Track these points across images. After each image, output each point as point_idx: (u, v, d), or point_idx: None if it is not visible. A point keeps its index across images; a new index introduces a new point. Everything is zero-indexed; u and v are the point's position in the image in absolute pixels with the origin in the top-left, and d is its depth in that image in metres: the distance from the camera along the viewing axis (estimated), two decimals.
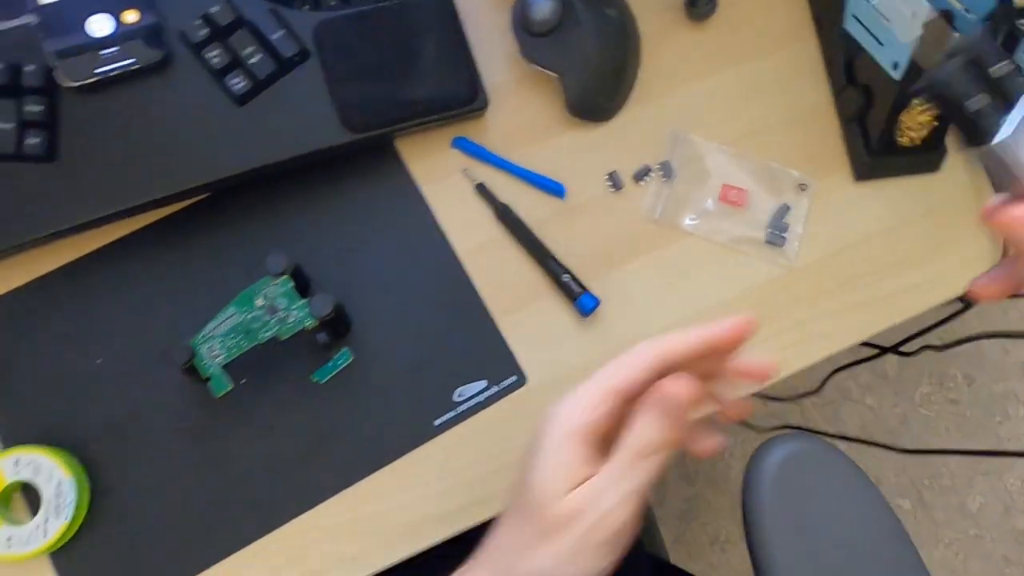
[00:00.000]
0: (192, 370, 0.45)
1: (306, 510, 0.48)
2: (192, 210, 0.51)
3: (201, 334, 0.45)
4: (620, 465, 0.34)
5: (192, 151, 0.49)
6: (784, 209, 0.55)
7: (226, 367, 0.45)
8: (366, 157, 0.53)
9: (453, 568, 0.37)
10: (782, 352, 0.52)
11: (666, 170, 0.55)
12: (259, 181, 0.51)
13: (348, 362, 0.46)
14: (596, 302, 0.51)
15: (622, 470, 0.34)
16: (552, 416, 0.36)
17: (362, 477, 0.48)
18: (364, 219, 0.52)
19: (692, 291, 0.53)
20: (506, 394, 0.51)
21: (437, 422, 0.50)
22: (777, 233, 0.54)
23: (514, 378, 0.51)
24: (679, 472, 1.26)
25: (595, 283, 0.52)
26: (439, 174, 0.54)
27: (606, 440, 0.36)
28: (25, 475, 0.45)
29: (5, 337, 0.49)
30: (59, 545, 0.45)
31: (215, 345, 0.45)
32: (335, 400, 0.49)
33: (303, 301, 0.46)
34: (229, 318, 0.45)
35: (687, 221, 0.54)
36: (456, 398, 0.50)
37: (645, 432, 0.35)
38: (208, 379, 0.44)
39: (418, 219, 0.53)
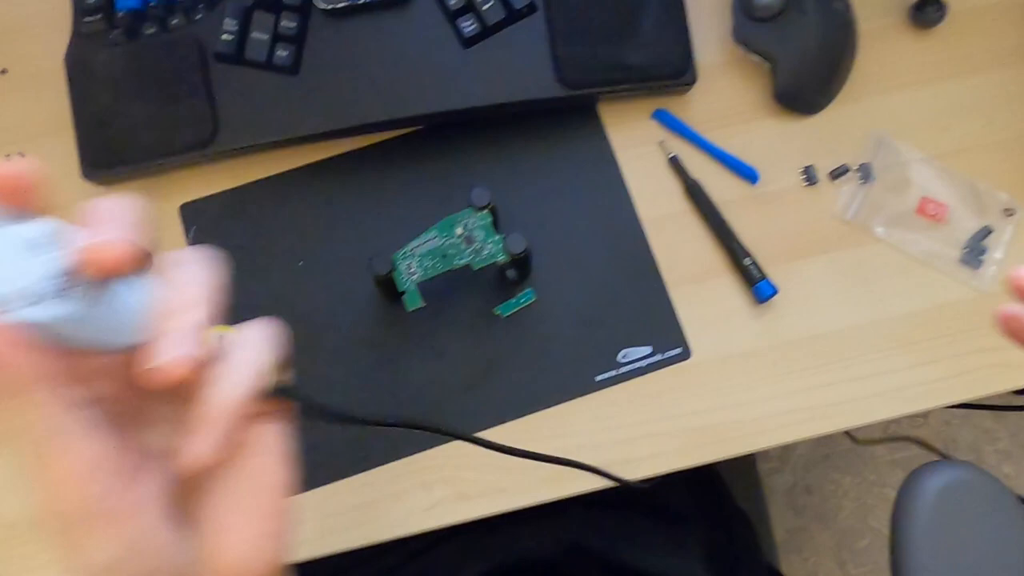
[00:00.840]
0: (388, 283, 0.48)
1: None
2: (405, 139, 0.55)
3: (403, 251, 0.48)
4: None
5: (417, 84, 0.52)
6: (985, 231, 0.53)
7: (419, 286, 0.48)
8: (570, 114, 0.55)
9: None
10: (960, 377, 0.50)
11: (865, 172, 0.54)
12: (470, 121, 0.54)
13: (530, 301, 0.48)
14: (774, 290, 0.51)
15: None
16: None
17: (519, 416, 0.50)
18: (559, 172, 0.54)
19: (873, 298, 0.52)
20: (669, 364, 0.51)
21: (598, 378, 0.51)
22: (974, 255, 0.52)
23: (679, 350, 0.52)
24: (786, 501, 1.23)
25: (775, 272, 0.52)
26: (635, 142, 0.55)
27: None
28: None
29: (225, 229, 0.54)
30: None
31: (413, 263, 0.48)
32: (510, 335, 0.51)
33: (498, 236, 0.48)
34: (429, 240, 0.48)
35: (879, 227, 0.53)
36: (620, 358, 0.51)
37: None
38: (403, 293, 0.47)
39: (609, 181, 0.54)
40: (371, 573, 0.50)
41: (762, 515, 0.79)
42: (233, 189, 0.55)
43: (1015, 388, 0.51)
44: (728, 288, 0.53)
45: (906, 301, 0.52)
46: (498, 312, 0.48)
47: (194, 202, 0.55)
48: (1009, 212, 0.53)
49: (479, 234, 0.48)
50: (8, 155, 0.55)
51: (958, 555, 0.49)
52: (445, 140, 0.55)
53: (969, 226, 0.53)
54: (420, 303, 0.47)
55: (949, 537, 0.49)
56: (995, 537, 0.48)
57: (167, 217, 0.54)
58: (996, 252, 0.52)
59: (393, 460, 0.50)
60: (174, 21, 0.53)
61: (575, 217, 0.54)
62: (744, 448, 0.50)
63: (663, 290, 0.52)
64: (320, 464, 0.50)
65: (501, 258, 0.48)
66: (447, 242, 0.48)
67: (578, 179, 0.54)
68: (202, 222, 0.54)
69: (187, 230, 0.54)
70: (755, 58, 0.55)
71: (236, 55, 0.52)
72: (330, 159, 0.55)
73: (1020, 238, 0.53)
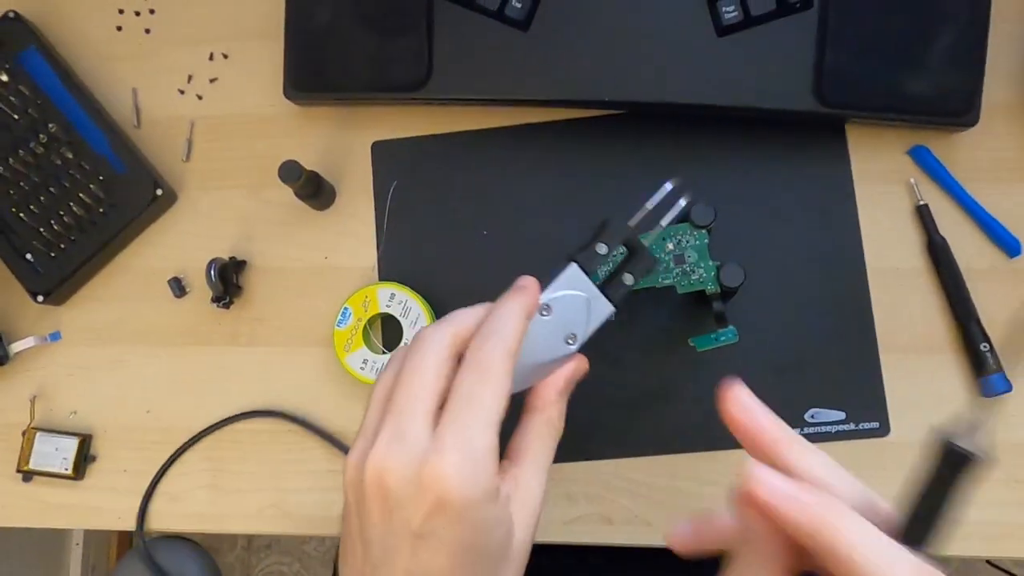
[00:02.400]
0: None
1: (622, 456, 0.47)
2: (622, 121, 0.49)
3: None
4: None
5: (653, 66, 0.46)
6: None
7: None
8: (814, 131, 0.48)
9: None
10: None
11: None
12: (701, 117, 0.48)
13: (731, 342, 0.43)
14: (1008, 387, 0.45)
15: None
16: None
17: (689, 451, 0.47)
18: (786, 194, 0.48)
19: None
20: (861, 436, 0.46)
21: None
22: None
23: (876, 424, 0.46)
24: None
25: (1012, 365, 0.45)
26: (882, 177, 0.48)
27: None
28: (396, 311, 0.48)
29: (414, 176, 0.51)
30: None
31: (610, 271, 0.43)
32: (694, 366, 0.47)
33: (713, 263, 0.43)
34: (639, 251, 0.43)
35: None
36: (808, 417, 0.46)
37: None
38: None
39: (841, 216, 0.48)
40: None
41: None
42: (430, 136, 0.51)
43: None
44: (951, 370, 0.46)
45: None
46: (693, 344, 0.43)
47: (388, 142, 0.52)
48: None
49: (691, 255, 0.43)
50: (212, 55, 0.53)
51: None
52: (664, 131, 0.49)
53: None
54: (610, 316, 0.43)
55: None
56: None
57: (358, 152, 0.52)
58: None
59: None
60: None
61: (793, 250, 0.48)
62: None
63: (874, 354, 0.46)
64: None
65: (711, 288, 0.43)
66: (654, 256, 0.43)
67: (806, 207, 0.48)
68: (391, 166, 0.51)
69: (375, 174, 0.51)
70: None
71: None
72: (539, 125, 0.50)
73: None
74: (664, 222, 0.39)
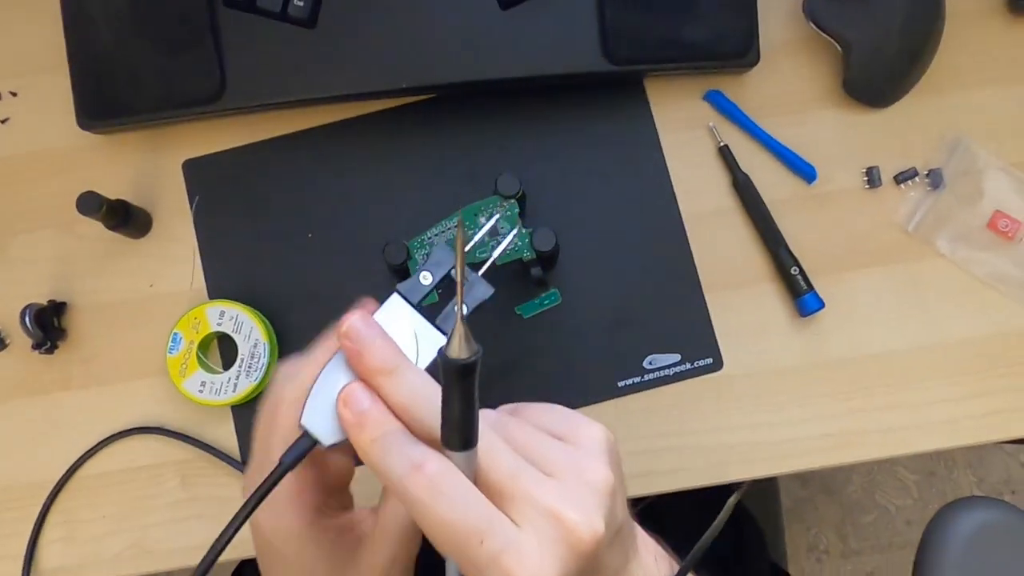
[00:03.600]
0: (403, 271, 0.44)
1: None
2: (426, 105, 0.50)
3: (419, 238, 0.44)
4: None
5: (444, 47, 0.47)
6: None
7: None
8: (612, 90, 0.50)
9: None
10: (1016, 412, 0.47)
11: (934, 179, 0.49)
12: (499, 91, 0.49)
13: (555, 304, 0.44)
14: (820, 305, 0.47)
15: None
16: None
17: None
18: (594, 154, 0.49)
19: (928, 320, 0.48)
20: (698, 374, 0.48)
21: (621, 383, 0.48)
22: None
23: (710, 360, 0.48)
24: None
25: (823, 283, 0.48)
26: (683, 125, 0.50)
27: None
28: (228, 328, 0.47)
29: (229, 190, 0.50)
30: (243, 401, 0.47)
31: (429, 253, 0.44)
32: (529, 335, 0.47)
33: (525, 230, 0.44)
34: (450, 229, 0.44)
35: (943, 242, 0.48)
36: (646, 364, 0.48)
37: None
38: None
39: (650, 168, 0.49)
40: None
41: (775, 513, 0.77)
42: (240, 148, 0.50)
43: None
44: (769, 297, 0.48)
45: (964, 326, 0.48)
46: (519, 312, 0.44)
47: (198, 159, 0.50)
48: None
49: (504, 226, 0.44)
50: (0, 93, 0.51)
51: None
52: (469, 110, 0.50)
53: None
54: (435, 298, 0.44)
55: None
56: None
57: (169, 173, 0.50)
58: None
59: None
60: None
61: (609, 207, 0.49)
62: (769, 471, 0.47)
63: (699, 294, 0.48)
64: None
65: (526, 255, 0.44)
66: (470, 232, 0.44)
67: (616, 164, 0.49)
68: (206, 182, 0.50)
69: (190, 194, 0.50)
70: (826, 39, 0.49)
71: (247, 2, 0.46)
72: (345, 122, 0.50)
73: None
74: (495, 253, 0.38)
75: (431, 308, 0.34)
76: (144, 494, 0.48)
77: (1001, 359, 0.47)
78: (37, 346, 0.47)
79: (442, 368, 0.26)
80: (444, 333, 0.33)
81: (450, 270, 0.34)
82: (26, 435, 0.48)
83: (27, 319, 0.46)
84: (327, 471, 0.33)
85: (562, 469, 0.29)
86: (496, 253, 0.38)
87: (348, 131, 0.50)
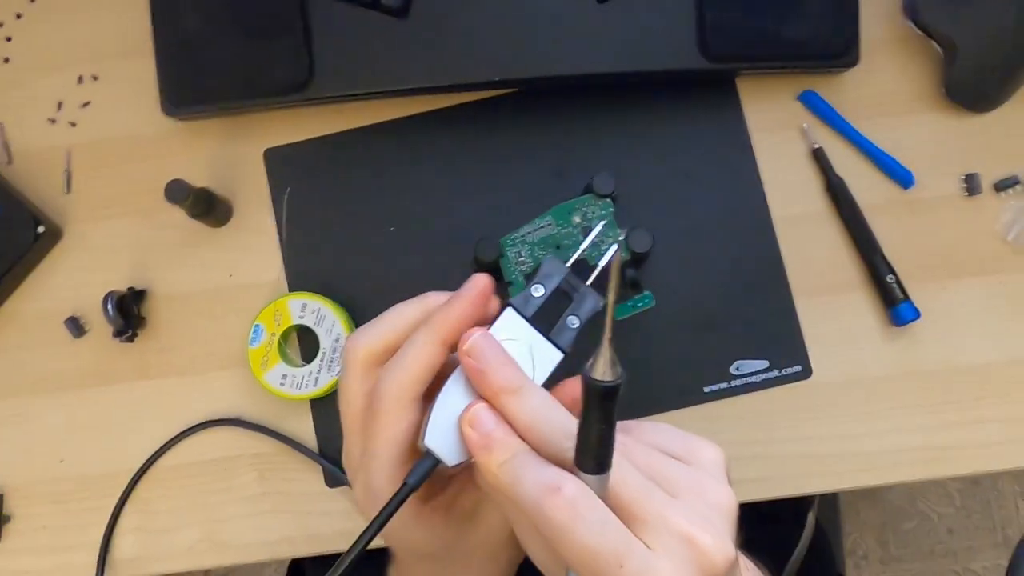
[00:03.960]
0: (493, 268, 0.43)
1: None
2: (517, 99, 0.49)
3: (511, 236, 0.43)
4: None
5: (539, 39, 0.46)
6: None
7: (527, 276, 0.43)
8: (705, 88, 0.48)
9: None
10: None
11: None
12: (592, 87, 0.48)
13: (648, 307, 0.43)
14: (916, 315, 0.46)
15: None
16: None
17: (622, 419, 0.46)
18: (685, 153, 0.48)
19: None
20: (786, 382, 0.47)
21: (707, 389, 0.47)
22: None
23: (799, 368, 0.47)
24: None
25: (918, 292, 0.46)
26: (776, 125, 0.49)
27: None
28: (309, 321, 0.46)
29: (311, 181, 0.49)
30: (322, 395, 0.47)
31: (523, 251, 0.43)
32: (619, 337, 0.46)
33: (620, 230, 0.43)
34: (543, 227, 0.43)
35: None
36: (733, 370, 0.47)
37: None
38: (509, 283, 0.43)
39: (741, 169, 0.48)
40: None
41: (836, 521, 0.75)
42: (323, 137, 0.49)
43: None
44: (862, 305, 0.47)
45: None
46: None
47: (280, 148, 0.50)
48: None
49: (598, 225, 0.43)
50: (80, 78, 0.50)
51: None
52: (559, 104, 0.49)
53: None
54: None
55: None
56: None
57: (250, 162, 0.50)
58: None
59: None
60: None
61: (699, 207, 0.48)
62: (856, 483, 0.46)
63: (789, 300, 0.47)
64: None
65: (622, 256, 0.43)
66: (562, 231, 0.43)
67: (706, 164, 0.48)
68: (287, 172, 0.49)
69: (272, 183, 0.49)
70: (932, 42, 0.47)
71: None
72: (431, 113, 0.49)
73: None
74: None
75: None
76: (220, 487, 0.47)
77: None
78: (118, 334, 0.47)
79: (585, 390, 0.25)
80: (559, 348, 0.32)
81: (560, 282, 0.34)
82: (104, 424, 0.48)
83: (109, 306, 0.46)
84: None
85: (687, 490, 0.28)
86: (603, 261, 0.37)
87: (434, 123, 0.49)
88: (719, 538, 0.27)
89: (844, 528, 1.18)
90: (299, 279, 0.49)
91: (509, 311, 0.32)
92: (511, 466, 0.27)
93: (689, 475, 0.29)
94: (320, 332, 0.46)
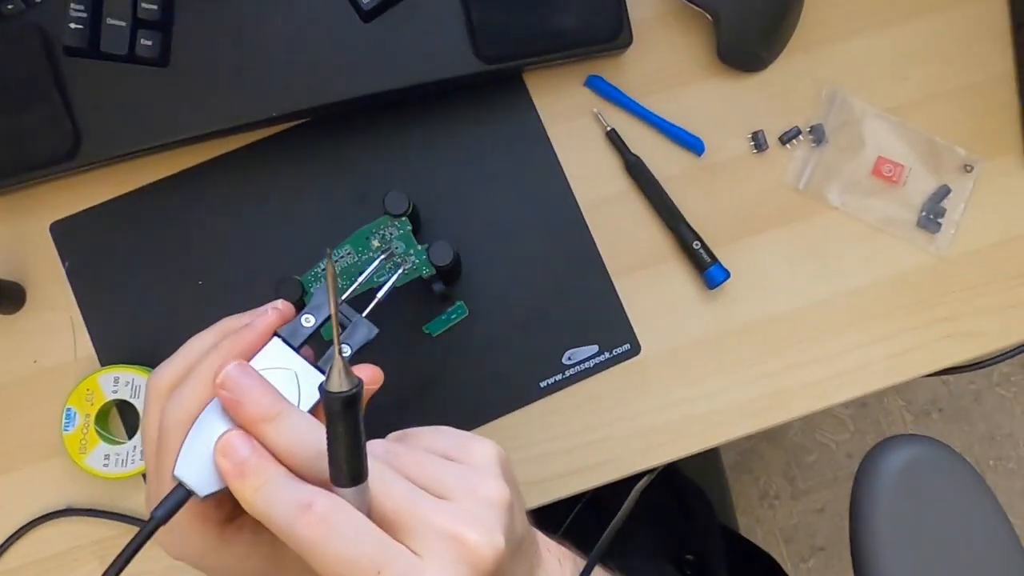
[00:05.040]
0: (300, 306, 0.42)
1: None
2: (303, 131, 0.48)
3: (313, 271, 0.42)
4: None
5: (311, 68, 0.45)
6: (943, 191, 0.49)
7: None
8: (491, 90, 0.49)
9: None
10: (923, 349, 0.48)
11: (817, 134, 0.49)
12: (376, 107, 0.47)
13: (462, 317, 0.43)
14: (726, 275, 0.47)
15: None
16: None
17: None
18: (483, 157, 0.48)
19: (830, 273, 0.49)
20: (617, 362, 0.48)
21: (543, 384, 0.47)
22: (931, 217, 0.49)
23: (627, 346, 0.48)
24: None
25: (725, 252, 0.48)
26: (568, 115, 0.49)
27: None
28: (124, 394, 0.44)
29: (105, 248, 0.47)
30: None
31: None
32: (441, 353, 0.46)
33: (421, 247, 0.42)
34: (343, 257, 0.42)
35: (833, 195, 0.49)
36: (565, 361, 0.47)
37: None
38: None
39: (541, 163, 0.49)
40: None
41: (717, 473, 0.78)
42: (108, 202, 0.47)
43: (976, 358, 0.48)
44: (676, 274, 0.48)
45: (863, 273, 0.49)
46: (428, 331, 0.43)
47: (66, 219, 0.47)
48: (968, 168, 0.50)
49: (399, 245, 0.43)
50: None
51: (920, 532, 0.48)
52: (347, 130, 0.48)
53: (926, 187, 0.49)
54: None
55: (911, 515, 0.48)
56: (956, 516, 0.47)
57: (37, 239, 0.47)
58: (955, 212, 0.49)
59: None
60: (8, 6, 0.44)
61: (505, 207, 0.48)
62: (704, 444, 0.48)
63: (608, 281, 0.48)
64: None
65: (426, 271, 0.43)
66: (363, 257, 0.42)
67: (506, 163, 0.48)
68: (78, 243, 0.47)
69: (62, 257, 0.47)
70: (702, 11, 0.49)
71: (90, 48, 0.43)
72: (216, 160, 0.48)
73: (980, 194, 0.49)
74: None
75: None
76: None
77: (903, 299, 0.49)
78: None
79: (325, 405, 0.25)
80: (325, 373, 0.32)
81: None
82: None
83: None
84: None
85: (457, 490, 0.29)
86: (393, 278, 0.37)
87: (222, 169, 0.47)
88: (487, 532, 0.27)
89: (754, 472, 1.22)
90: (111, 351, 0.46)
91: (276, 341, 0.32)
92: (265, 491, 0.27)
93: (460, 474, 0.29)
94: (138, 404, 0.44)
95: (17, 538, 0.45)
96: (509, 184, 0.48)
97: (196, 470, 0.29)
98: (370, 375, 0.33)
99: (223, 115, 0.45)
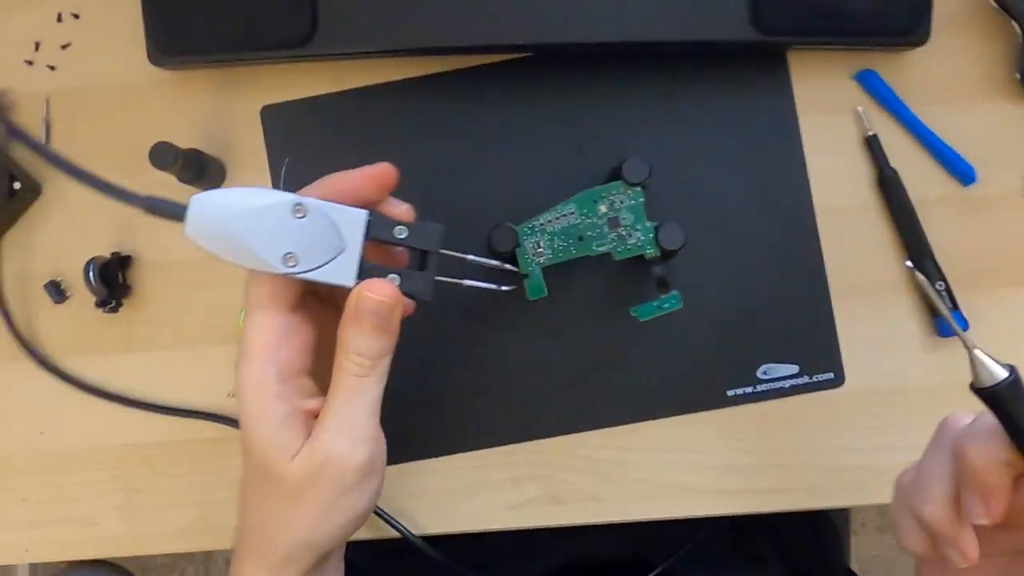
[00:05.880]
0: (508, 259, 0.39)
1: (567, 433, 0.44)
2: (534, 65, 0.44)
3: (530, 224, 0.39)
4: (346, 395, 0.31)
5: (568, 2, 0.40)
6: None
7: (544, 269, 0.39)
8: (750, 62, 0.44)
9: None
10: None
11: None
12: (622, 56, 0.43)
13: (675, 308, 0.39)
14: (964, 326, 0.42)
15: (349, 399, 0.31)
16: (241, 370, 0.31)
17: (636, 421, 0.44)
18: (722, 135, 0.44)
19: None
20: (816, 389, 0.44)
21: (731, 392, 0.44)
22: None
23: (831, 375, 0.43)
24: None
25: (967, 300, 0.43)
26: (826, 107, 0.44)
27: (311, 351, 0.32)
28: None
29: (310, 142, 0.45)
30: None
31: (542, 242, 0.39)
32: (638, 336, 0.43)
33: (650, 224, 0.39)
34: (565, 216, 0.39)
35: None
36: (760, 374, 0.44)
37: (364, 349, 0.31)
38: (525, 276, 0.39)
39: (784, 154, 0.44)
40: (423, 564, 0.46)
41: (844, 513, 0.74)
42: (325, 96, 0.45)
43: None
44: (905, 311, 0.43)
45: None
46: (634, 314, 0.40)
47: (278, 105, 0.45)
48: None
49: (627, 217, 0.39)
50: (60, 16, 0.46)
51: None
52: (581, 72, 0.44)
53: None
54: (544, 292, 0.39)
55: None
56: None
57: (245, 119, 0.45)
58: None
59: (485, 447, 0.44)
60: None
61: (734, 195, 0.44)
62: (885, 498, 0.43)
63: (826, 301, 0.44)
64: (404, 441, 0.44)
65: (650, 251, 0.39)
66: (587, 221, 0.39)
67: (745, 147, 0.44)
68: (284, 131, 0.45)
69: (268, 142, 0.45)
70: (1006, 18, 0.42)
71: None
72: (441, 76, 0.44)
73: None
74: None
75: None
76: (212, 468, 0.45)
77: None
78: (102, 303, 0.44)
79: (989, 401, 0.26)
80: (357, 277, 0.31)
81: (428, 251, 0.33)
82: (86, 397, 0.45)
83: (91, 274, 0.42)
84: (297, 343, 0.32)
85: None
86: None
87: (445, 86, 0.44)
88: None
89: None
90: None
91: (364, 214, 0.31)
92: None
93: None
94: None
95: (175, 414, 0.45)
96: (743, 169, 0.44)
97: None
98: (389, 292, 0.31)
99: (464, 33, 0.41)
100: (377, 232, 0.31)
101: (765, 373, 0.44)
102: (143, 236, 0.45)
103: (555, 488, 0.44)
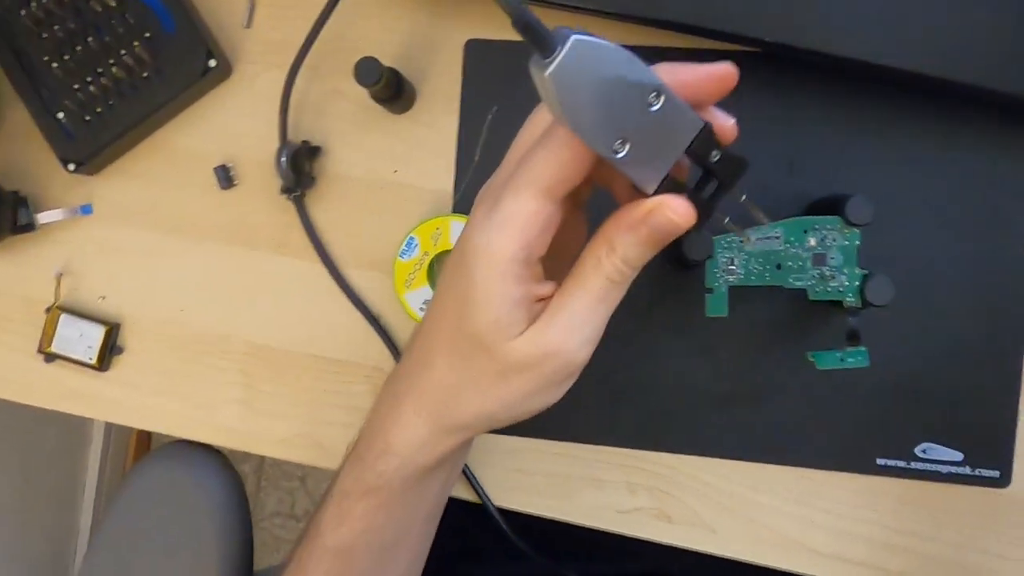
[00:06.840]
0: (694, 265, 0.37)
1: (696, 454, 0.42)
2: (762, 62, 0.40)
3: (729, 237, 0.36)
4: (594, 296, 0.28)
5: (838, 8, 0.36)
6: None
7: (730, 288, 0.36)
8: (1005, 118, 0.39)
9: None
10: None
11: None
12: (876, 80, 0.39)
13: (859, 366, 0.36)
14: None
15: (596, 300, 0.29)
16: (481, 245, 0.29)
17: (772, 462, 0.41)
18: (949, 188, 0.39)
19: None
20: (976, 483, 0.40)
21: (881, 462, 0.40)
22: None
23: (996, 473, 0.40)
24: None
25: None
26: None
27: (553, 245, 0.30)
28: None
29: (508, 88, 0.42)
30: None
31: (737, 259, 0.36)
32: (801, 378, 0.40)
33: (859, 271, 0.35)
34: (769, 239, 0.36)
35: None
36: (919, 452, 0.40)
37: (633, 258, 0.28)
38: (709, 291, 0.36)
39: (1014, 223, 0.39)
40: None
41: None
42: None
43: None
44: None
45: None
46: (812, 359, 0.37)
47: (485, 42, 0.43)
48: None
49: (836, 257, 0.36)
50: None
51: None
52: (813, 83, 0.40)
53: None
54: (724, 312, 0.36)
55: None
56: None
57: (447, 48, 0.43)
58: None
59: (609, 445, 0.42)
60: None
61: (953, 259, 0.40)
62: None
63: (1014, 395, 0.40)
64: (534, 417, 0.43)
65: (850, 299, 0.36)
66: (790, 250, 0.36)
67: (972, 206, 0.39)
68: (484, 72, 0.43)
69: (466, 77, 0.43)
70: None
71: None
72: (659, 49, 0.41)
73: None
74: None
75: None
76: (330, 390, 0.45)
77: None
78: (288, 190, 0.43)
79: None
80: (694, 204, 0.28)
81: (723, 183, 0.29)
82: (230, 285, 0.45)
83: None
84: (550, 231, 0.29)
85: None
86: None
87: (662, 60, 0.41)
88: None
89: None
90: (468, 201, 0.43)
91: (695, 122, 0.27)
92: None
93: None
94: None
95: (312, 323, 0.45)
96: (970, 235, 0.39)
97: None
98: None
99: (709, 14, 0.38)
100: (698, 146, 0.27)
101: (924, 452, 0.40)
102: (317, 140, 0.44)
103: (668, 505, 0.42)
